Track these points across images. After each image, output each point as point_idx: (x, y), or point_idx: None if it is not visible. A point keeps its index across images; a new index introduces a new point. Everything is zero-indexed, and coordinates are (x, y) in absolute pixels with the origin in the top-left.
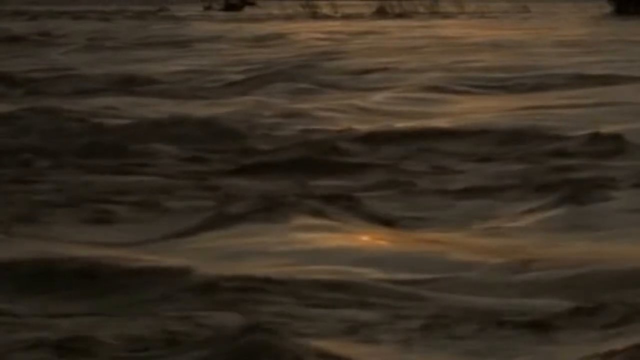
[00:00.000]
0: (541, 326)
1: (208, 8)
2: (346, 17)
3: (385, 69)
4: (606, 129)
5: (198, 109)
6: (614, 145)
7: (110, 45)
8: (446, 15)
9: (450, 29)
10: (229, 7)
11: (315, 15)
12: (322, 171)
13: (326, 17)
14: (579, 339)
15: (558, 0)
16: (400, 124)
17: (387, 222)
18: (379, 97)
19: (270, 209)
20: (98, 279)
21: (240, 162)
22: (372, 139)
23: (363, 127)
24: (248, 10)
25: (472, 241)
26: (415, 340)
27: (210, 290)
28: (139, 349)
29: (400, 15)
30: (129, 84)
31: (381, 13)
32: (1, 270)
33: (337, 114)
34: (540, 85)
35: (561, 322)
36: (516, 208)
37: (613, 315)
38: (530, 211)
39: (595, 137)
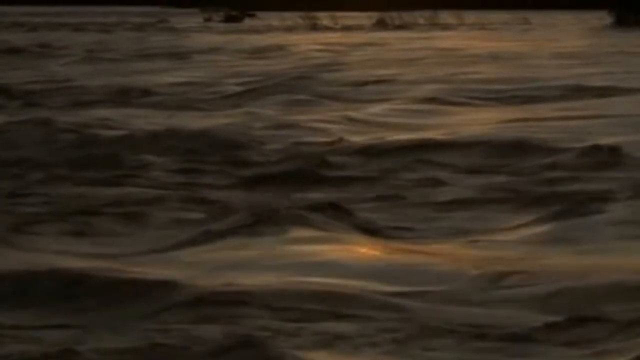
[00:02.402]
0: (526, 339)
1: (208, 19)
2: (346, 28)
3: (384, 81)
4: (604, 141)
5: (195, 121)
6: (612, 157)
7: (109, 56)
8: (446, 27)
9: (449, 40)
10: (229, 19)
11: (315, 27)
12: (318, 183)
13: (326, 28)
14: (563, 352)
15: (558, 11)
16: (397, 136)
17: (379, 234)
18: (377, 109)
19: (263, 221)
20: (85, 291)
21: (235, 174)
22: (368, 151)
23: (360, 139)
24: (248, 22)
25: (470, 253)
26: (399, 352)
27: (199, 303)
28: None
29: (400, 27)
30: (127, 96)
31: (381, 25)
32: None
33: (335, 125)
34: (538, 97)
35: (546, 336)
36: (510, 220)
37: (611, 326)
38: (525, 224)
39: (594, 149)
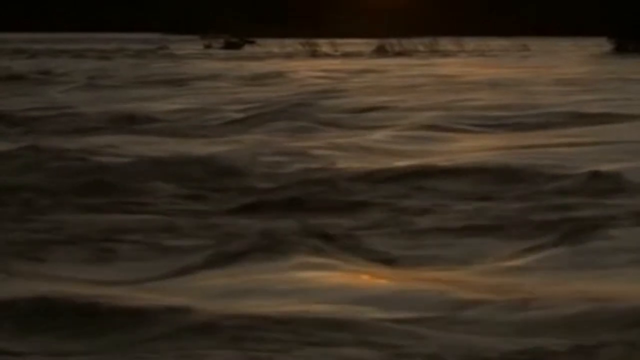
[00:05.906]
0: None
1: (208, 46)
2: (346, 55)
3: (384, 108)
4: (605, 167)
5: (198, 147)
6: (613, 184)
7: (109, 83)
8: (445, 54)
9: (449, 67)
10: (228, 46)
11: (315, 54)
12: (321, 209)
13: (326, 55)
14: None
15: (558, 38)
16: (399, 163)
17: (387, 261)
18: (378, 135)
19: (270, 248)
20: (98, 317)
21: (240, 200)
22: (371, 177)
23: (362, 166)
24: (248, 49)
25: (472, 280)
26: None
27: (211, 328)
28: None
29: (399, 54)
30: (128, 123)
31: (381, 51)
32: (2, 308)
33: (336, 152)
34: (539, 124)
35: None
36: (516, 247)
37: (613, 354)
38: (530, 250)
39: (595, 176)
